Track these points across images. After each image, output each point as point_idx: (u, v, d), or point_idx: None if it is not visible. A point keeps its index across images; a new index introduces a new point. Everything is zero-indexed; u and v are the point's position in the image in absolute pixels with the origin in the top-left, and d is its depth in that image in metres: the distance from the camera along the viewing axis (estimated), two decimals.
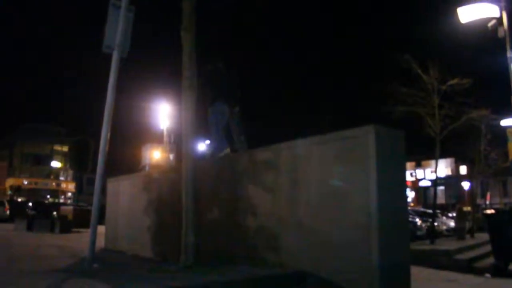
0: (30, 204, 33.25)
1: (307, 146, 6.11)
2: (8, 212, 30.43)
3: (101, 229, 10.85)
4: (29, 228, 20.17)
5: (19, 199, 45.45)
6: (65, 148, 62.71)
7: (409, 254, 5.83)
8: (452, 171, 55.77)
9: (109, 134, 6.54)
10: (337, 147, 5.73)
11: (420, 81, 18.06)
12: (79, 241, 12.12)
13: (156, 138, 33.50)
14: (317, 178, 5.88)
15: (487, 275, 11.79)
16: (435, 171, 20.53)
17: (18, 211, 27.62)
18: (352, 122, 5.74)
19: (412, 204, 44.87)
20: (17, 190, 56.37)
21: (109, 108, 6.40)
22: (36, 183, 60.87)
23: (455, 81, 17.74)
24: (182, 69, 6.44)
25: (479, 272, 12.09)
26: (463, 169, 55.99)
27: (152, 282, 4.81)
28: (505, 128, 18.81)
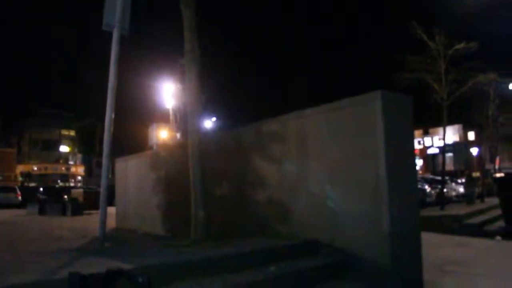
0: (41, 189, 33.56)
1: (315, 115, 6.04)
2: (20, 198, 30.79)
3: (111, 210, 10.94)
4: (41, 212, 20.39)
5: (30, 185, 45.90)
6: (73, 133, 62.94)
7: (420, 220, 5.81)
8: (460, 137, 55.44)
9: (113, 114, 6.49)
10: (344, 114, 5.67)
11: (426, 47, 17.80)
12: (90, 222, 12.22)
13: (163, 117, 33.47)
14: (325, 147, 5.83)
15: (498, 237, 11.81)
16: (443, 138, 20.39)
17: (29, 196, 27.85)
18: (359, 92, 5.65)
19: (420, 172, 44.78)
20: (28, 176, 56.92)
21: (112, 87, 6.34)
22: (46, 168, 61.33)
23: (461, 45, 17.48)
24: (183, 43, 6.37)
25: (490, 235, 12.11)
26: (471, 135, 55.70)
27: (163, 257, 4.83)
28: None
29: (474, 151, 47.45)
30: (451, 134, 52.05)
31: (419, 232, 5.60)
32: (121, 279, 2.95)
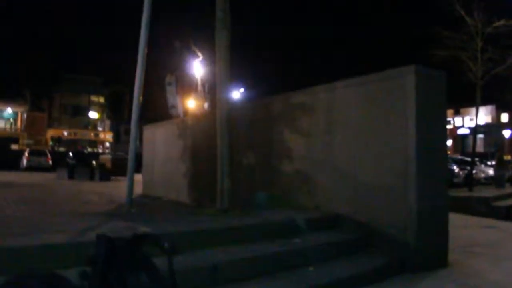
0: (70, 154, 34.32)
1: (344, 88, 5.93)
2: (50, 162, 31.57)
3: (138, 177, 11.12)
4: (70, 176, 20.92)
5: (60, 150, 46.92)
6: (102, 99, 63.80)
7: (448, 199, 5.71)
8: (492, 119, 54.06)
9: (143, 81, 6.51)
10: (375, 88, 5.55)
11: (463, 24, 17.17)
12: (117, 188, 12.48)
13: (191, 87, 33.52)
14: (353, 121, 5.74)
15: None
16: (475, 118, 19.87)
17: (59, 161, 28.52)
18: (391, 67, 5.51)
19: (449, 152, 44.01)
20: (58, 141, 58.15)
21: (142, 48, 6.34)
22: (75, 134, 62.47)
23: (501, 22, 16.78)
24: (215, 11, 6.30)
25: None
26: (504, 117, 54.22)
27: (188, 224, 4.89)
28: None
29: (507, 133, 46.20)
30: (483, 115, 50.80)
31: (447, 211, 5.51)
32: (147, 243, 2.97)
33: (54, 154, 35.45)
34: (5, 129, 55.67)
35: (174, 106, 16.29)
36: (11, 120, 56.93)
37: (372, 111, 5.53)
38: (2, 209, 7.32)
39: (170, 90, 16.83)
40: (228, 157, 6.14)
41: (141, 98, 6.54)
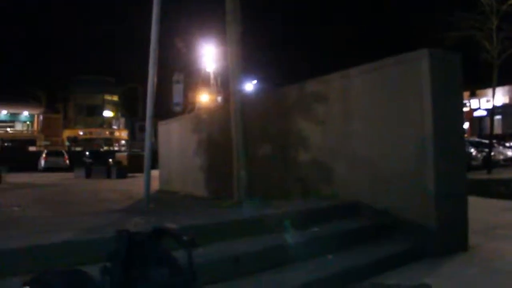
0: (87, 153, 34.65)
1: (359, 74, 5.88)
2: (67, 161, 31.97)
3: (155, 173, 11.20)
4: (88, 175, 21.16)
5: (76, 149, 47.44)
6: (116, 98, 64.21)
7: (466, 182, 5.64)
8: (510, 99, 53.17)
9: (156, 77, 6.53)
10: (389, 73, 5.49)
11: (477, 3, 16.84)
12: (134, 184, 12.58)
13: (204, 81, 33.64)
14: (369, 108, 5.69)
15: None
16: (492, 98, 19.56)
17: (76, 160, 28.83)
18: (404, 51, 5.45)
19: (466, 135, 43.44)
20: (74, 140, 58.75)
21: (154, 45, 6.35)
22: (91, 133, 63.01)
23: None
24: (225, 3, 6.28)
25: None
26: None
27: (206, 216, 4.91)
28: None
29: None
30: (501, 96, 49.95)
31: (465, 194, 5.44)
32: (167, 237, 2.99)
33: (71, 154, 35.90)
34: (22, 131, 56.56)
35: (178, 104, 16.40)
36: (28, 122, 57.75)
37: (387, 97, 5.48)
38: (23, 210, 7.43)
39: (177, 88, 16.94)
40: (244, 149, 6.14)
41: (154, 92, 6.54)
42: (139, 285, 2.57)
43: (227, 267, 3.59)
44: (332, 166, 6.15)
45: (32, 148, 45.72)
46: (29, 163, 30.17)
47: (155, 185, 10.67)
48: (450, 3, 17.28)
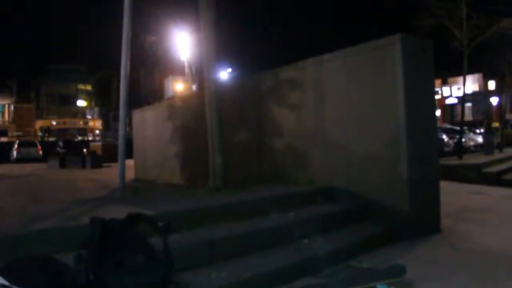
0: (61, 143, 34.11)
1: (332, 60, 5.91)
2: (41, 152, 31.41)
3: (130, 162, 11.08)
4: (62, 165, 20.83)
5: (50, 139, 46.62)
6: (89, 87, 63.25)
7: (438, 167, 5.77)
8: (479, 86, 54.26)
9: (128, 64, 6.43)
10: (363, 59, 5.54)
11: None
12: (109, 174, 12.45)
13: (178, 69, 33.33)
14: (343, 93, 5.74)
15: None
16: (463, 87, 19.93)
17: (49, 151, 28.35)
18: (377, 37, 5.50)
19: (438, 122, 44.24)
20: (47, 131, 57.69)
21: (126, 34, 6.24)
22: (64, 123, 62.00)
23: None
24: None
25: (508, 184, 12.01)
26: (491, 85, 54.38)
27: (181, 203, 4.89)
28: None
29: (494, 100, 46.45)
30: (471, 83, 51.00)
31: (438, 178, 5.57)
32: (141, 223, 2.98)
33: (44, 144, 35.26)
34: None
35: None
36: None
37: (360, 82, 5.54)
38: None
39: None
40: (219, 136, 6.12)
41: (127, 79, 6.43)
42: (113, 271, 2.57)
43: (203, 253, 3.59)
44: (307, 151, 6.20)
45: (3, 139, 44.73)
46: (0, 155, 29.56)
47: (130, 174, 10.57)
48: None
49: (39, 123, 61.01)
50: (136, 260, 2.70)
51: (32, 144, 33.50)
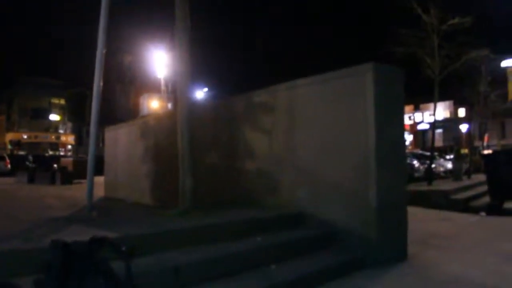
0: (30, 157, 33.39)
1: (305, 86, 5.98)
2: (9, 166, 30.67)
3: (101, 179, 10.89)
4: (30, 181, 20.29)
5: (20, 153, 45.60)
6: (63, 101, 62.23)
7: (406, 194, 5.86)
8: (450, 113, 55.61)
9: (101, 81, 6.38)
10: (335, 86, 5.63)
11: (420, 21, 17.66)
12: (79, 191, 12.18)
13: (154, 87, 33.23)
14: (315, 119, 5.80)
15: (482, 213, 11.98)
16: (434, 114, 20.44)
17: (19, 165, 27.72)
18: (350, 65, 5.61)
19: (410, 147, 45.06)
20: (17, 144, 56.39)
21: (100, 53, 6.21)
22: (36, 137, 60.77)
23: (455, 20, 17.36)
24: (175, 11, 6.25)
25: (475, 211, 12.28)
26: (461, 112, 55.86)
27: (148, 225, 4.84)
28: (505, 69, 18.60)
29: (464, 127, 47.69)
30: (442, 110, 52.26)
31: (405, 205, 5.65)
32: (105, 247, 2.93)
33: (13, 158, 34.42)
34: None
35: None
36: None
37: (332, 109, 5.61)
38: None
39: None
40: (190, 156, 6.08)
41: (100, 96, 6.37)
42: None
43: (167, 279, 3.54)
44: (278, 176, 6.22)
45: None
46: None
47: (100, 192, 10.38)
48: (395, 20, 18.01)
49: (9, 136, 59.67)
50: (98, 286, 2.64)
51: (0, 158, 32.68)
